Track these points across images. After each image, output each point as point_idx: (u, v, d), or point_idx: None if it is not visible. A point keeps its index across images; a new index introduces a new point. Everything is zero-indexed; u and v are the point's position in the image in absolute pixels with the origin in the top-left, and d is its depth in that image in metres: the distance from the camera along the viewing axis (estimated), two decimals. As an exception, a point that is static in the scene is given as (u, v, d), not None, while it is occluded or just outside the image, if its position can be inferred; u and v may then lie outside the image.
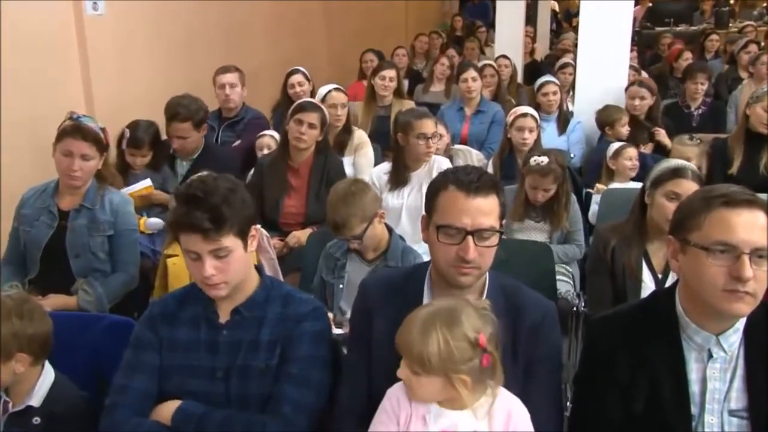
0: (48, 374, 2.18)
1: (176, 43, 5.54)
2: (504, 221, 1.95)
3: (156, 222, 3.78)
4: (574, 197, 3.76)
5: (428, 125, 3.84)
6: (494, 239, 1.90)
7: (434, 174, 2.05)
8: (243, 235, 2.01)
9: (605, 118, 5.02)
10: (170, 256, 3.11)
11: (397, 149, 3.94)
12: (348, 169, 4.53)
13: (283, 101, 5.39)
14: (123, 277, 3.23)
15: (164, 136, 4.17)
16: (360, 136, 4.77)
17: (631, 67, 5.83)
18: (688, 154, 4.21)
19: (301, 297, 2.15)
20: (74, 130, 3.11)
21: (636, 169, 4.33)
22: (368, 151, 4.69)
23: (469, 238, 1.85)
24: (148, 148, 3.98)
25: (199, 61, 5.64)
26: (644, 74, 6.78)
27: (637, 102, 5.20)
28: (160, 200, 3.93)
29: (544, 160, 3.57)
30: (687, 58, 7.25)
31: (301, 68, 5.48)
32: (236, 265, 2.01)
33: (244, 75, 4.97)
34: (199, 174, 2.14)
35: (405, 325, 1.73)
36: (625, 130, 4.96)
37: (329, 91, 4.69)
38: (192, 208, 1.92)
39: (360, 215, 2.85)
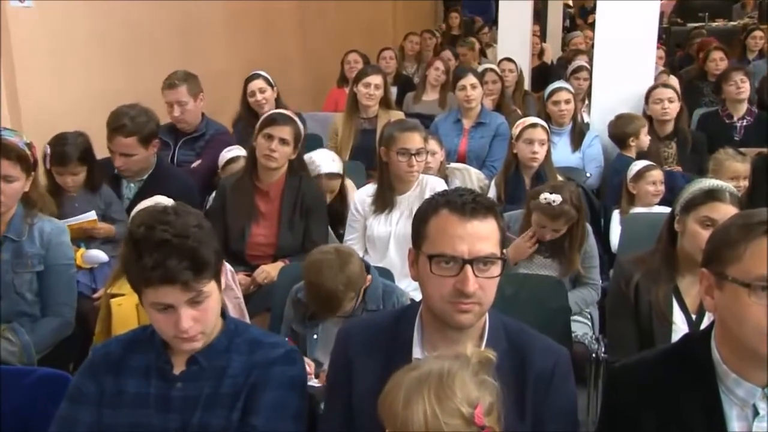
0: None
1: (119, 41, 5.53)
2: (505, 250, 1.95)
3: (96, 255, 3.74)
4: (589, 228, 3.73)
5: (412, 139, 3.84)
6: (495, 269, 1.91)
7: (427, 197, 2.07)
8: (217, 274, 2.02)
9: (621, 130, 5.04)
10: (115, 295, 3.07)
11: (381, 167, 3.96)
12: None
13: (244, 113, 5.39)
14: (55, 321, 3.19)
15: (99, 152, 4.10)
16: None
17: (660, 71, 5.86)
18: (738, 170, 4.22)
19: (270, 341, 2.14)
20: None
21: (660, 194, 4.34)
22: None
23: (468, 267, 1.86)
24: (77, 164, 3.87)
25: (146, 63, 5.65)
26: (673, 79, 6.82)
27: (666, 105, 5.20)
28: (105, 234, 3.90)
29: (557, 199, 3.47)
30: (715, 59, 7.22)
31: (262, 72, 5.49)
32: (213, 311, 2.02)
33: (199, 82, 4.93)
34: (149, 208, 2.11)
35: (388, 390, 1.69)
36: (647, 139, 4.98)
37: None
38: (164, 256, 1.88)
39: (352, 293, 2.90)
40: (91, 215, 3.83)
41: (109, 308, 3.07)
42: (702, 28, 11.04)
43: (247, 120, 5.23)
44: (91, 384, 2.07)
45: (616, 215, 4.41)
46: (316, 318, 3.02)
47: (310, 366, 2.75)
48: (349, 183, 4.52)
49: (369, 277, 3.00)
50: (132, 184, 4.21)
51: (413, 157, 3.83)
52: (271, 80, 5.44)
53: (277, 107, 4.95)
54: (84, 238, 3.83)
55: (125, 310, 2.99)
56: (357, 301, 2.94)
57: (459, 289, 1.86)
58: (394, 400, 1.65)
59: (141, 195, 3.92)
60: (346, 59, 7.22)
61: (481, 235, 1.88)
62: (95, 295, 3.62)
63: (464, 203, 1.90)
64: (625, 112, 5.17)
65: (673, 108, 5.24)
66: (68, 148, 3.84)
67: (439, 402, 1.61)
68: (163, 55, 5.75)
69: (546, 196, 3.50)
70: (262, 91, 5.34)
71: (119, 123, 4.01)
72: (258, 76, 5.43)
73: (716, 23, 12.22)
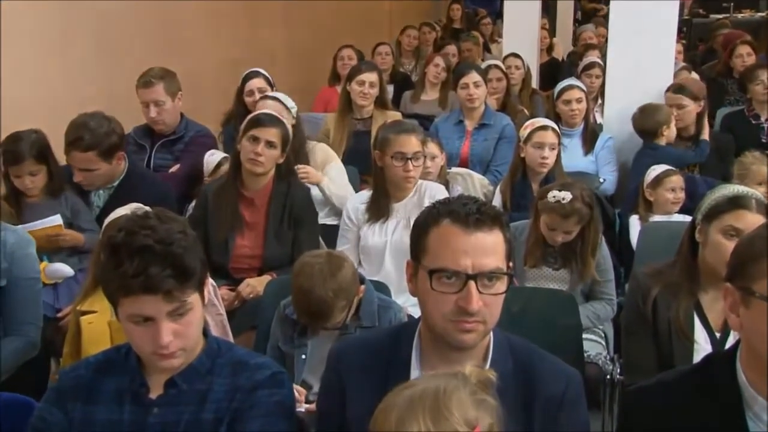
0: None
1: (95, 37, 5.53)
2: (511, 263, 1.95)
3: (60, 268, 3.73)
4: (602, 239, 3.73)
5: (408, 142, 3.85)
6: (501, 285, 1.90)
7: (426, 205, 2.07)
8: (201, 286, 2.02)
9: (653, 120, 5.05)
10: (85, 313, 3.06)
11: (376, 172, 3.97)
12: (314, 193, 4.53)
13: (237, 113, 5.38)
14: (19, 341, 3.17)
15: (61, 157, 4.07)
16: (322, 149, 4.82)
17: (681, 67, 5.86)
18: (766, 175, 4.22)
19: (256, 362, 2.13)
20: None
21: (680, 202, 4.36)
22: (338, 164, 4.79)
23: (471, 283, 1.85)
24: (33, 162, 3.83)
25: (120, 59, 5.62)
26: (695, 75, 6.82)
27: (675, 112, 5.22)
28: (72, 243, 3.89)
29: (567, 196, 3.51)
30: (741, 54, 7.20)
31: (262, 70, 5.49)
32: (196, 326, 2.02)
33: (178, 80, 4.90)
34: (128, 214, 2.11)
35: (380, 410, 1.68)
36: (674, 128, 5.02)
37: None
38: (146, 262, 1.88)
39: (344, 302, 2.89)
40: (56, 219, 3.80)
41: (78, 327, 3.05)
42: (726, 20, 11.03)
43: (240, 121, 5.22)
44: (58, 412, 2.06)
45: (634, 220, 4.43)
46: (305, 335, 3.01)
47: (300, 393, 2.75)
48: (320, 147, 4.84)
49: (362, 287, 3.00)
50: (101, 191, 4.16)
51: (409, 161, 3.83)
52: (271, 79, 5.46)
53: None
54: (48, 249, 3.80)
55: (96, 328, 2.96)
56: (349, 314, 2.93)
57: (462, 307, 1.85)
58: (386, 421, 1.64)
59: (112, 203, 3.90)
60: (339, 55, 7.23)
61: (486, 248, 1.88)
62: (59, 314, 3.62)
63: (468, 213, 1.89)
64: (644, 105, 5.19)
65: (685, 114, 5.28)
66: (22, 146, 3.80)
67: (434, 422, 1.60)
68: (140, 51, 5.73)
69: (555, 194, 3.54)
70: (261, 90, 5.32)
71: (77, 135, 3.91)
72: (258, 74, 5.43)
73: (742, 14, 12.20)
